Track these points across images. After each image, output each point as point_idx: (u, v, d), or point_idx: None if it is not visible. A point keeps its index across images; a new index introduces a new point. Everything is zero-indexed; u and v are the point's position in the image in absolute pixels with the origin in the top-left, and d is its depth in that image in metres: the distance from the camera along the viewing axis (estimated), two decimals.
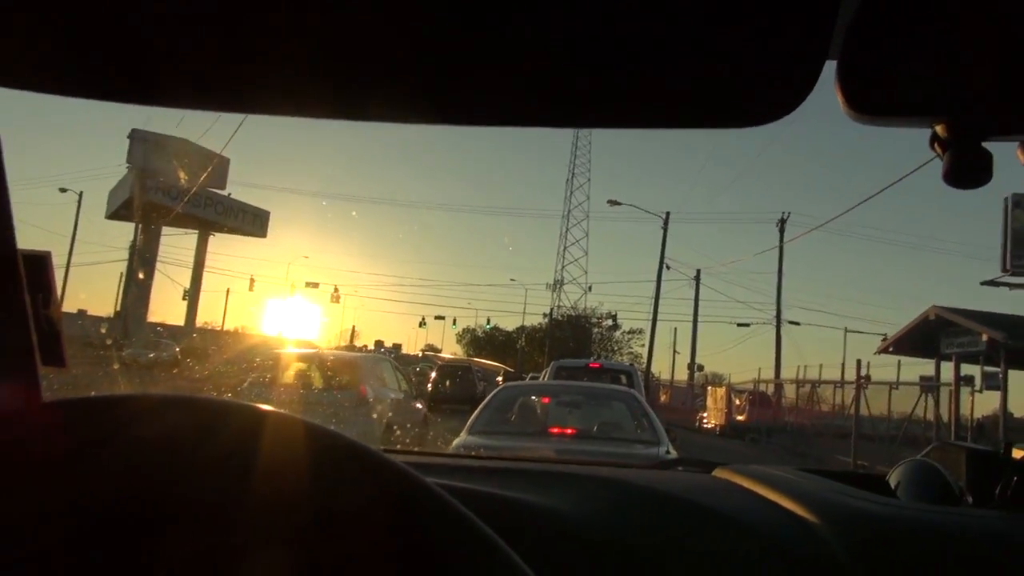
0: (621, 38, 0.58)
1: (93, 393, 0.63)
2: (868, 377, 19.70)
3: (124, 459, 0.57)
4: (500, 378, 26.34)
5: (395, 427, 10.67)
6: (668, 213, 38.01)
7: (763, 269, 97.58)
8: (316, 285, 53.16)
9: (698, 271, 41.38)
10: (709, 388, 32.71)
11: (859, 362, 19.37)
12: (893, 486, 1.42)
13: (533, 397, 7.07)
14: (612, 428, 6.34)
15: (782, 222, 36.32)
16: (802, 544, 1.09)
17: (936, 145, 0.69)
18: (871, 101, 0.67)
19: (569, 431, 6.13)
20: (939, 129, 0.69)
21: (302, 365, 10.94)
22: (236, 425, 0.59)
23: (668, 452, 5.38)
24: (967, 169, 0.68)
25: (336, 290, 53.53)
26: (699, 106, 0.67)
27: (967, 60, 0.65)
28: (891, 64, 0.66)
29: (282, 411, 0.61)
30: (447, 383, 21.06)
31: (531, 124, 0.70)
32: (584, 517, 1.11)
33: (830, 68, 0.63)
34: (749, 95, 0.64)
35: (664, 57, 0.60)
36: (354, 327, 67.50)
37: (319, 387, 10.36)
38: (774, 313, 37.57)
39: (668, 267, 38.24)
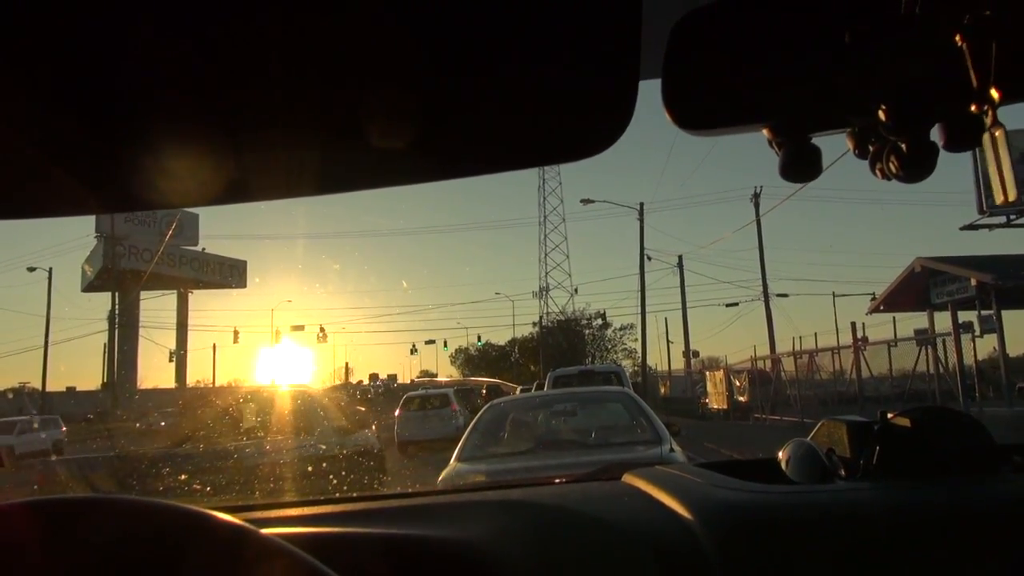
0: (447, 91, 0.62)
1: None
2: (865, 338, 19.52)
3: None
4: (484, 391, 28.29)
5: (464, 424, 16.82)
6: (642, 204, 37.93)
7: (744, 246, 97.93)
8: (302, 328, 52.49)
9: (680, 257, 41.33)
10: (707, 373, 32.47)
11: (853, 324, 19.25)
12: (784, 466, 1.47)
13: (524, 411, 6.78)
14: (610, 433, 6.08)
15: (756, 196, 36.28)
16: (680, 543, 1.16)
17: (773, 143, 0.75)
18: (698, 116, 0.74)
19: (565, 443, 5.86)
20: (766, 131, 0.75)
21: (418, 397, 20.25)
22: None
23: (672, 450, 5.18)
24: (797, 164, 0.75)
25: (322, 330, 52.93)
26: (527, 144, 0.70)
27: (780, 68, 0.71)
28: (710, 82, 0.73)
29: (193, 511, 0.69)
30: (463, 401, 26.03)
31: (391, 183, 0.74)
32: (481, 545, 1.16)
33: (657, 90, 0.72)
34: (573, 128, 0.67)
35: (484, 102, 0.64)
36: (347, 364, 67.01)
37: (429, 409, 19.14)
38: (761, 289, 37.43)
39: (650, 258, 38.14)
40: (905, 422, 1.40)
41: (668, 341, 54.80)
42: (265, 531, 0.74)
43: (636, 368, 47.21)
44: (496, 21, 0.57)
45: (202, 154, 0.67)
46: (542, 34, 0.58)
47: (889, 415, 1.43)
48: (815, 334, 27.81)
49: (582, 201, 38.51)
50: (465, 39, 0.58)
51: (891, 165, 0.72)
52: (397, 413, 18.99)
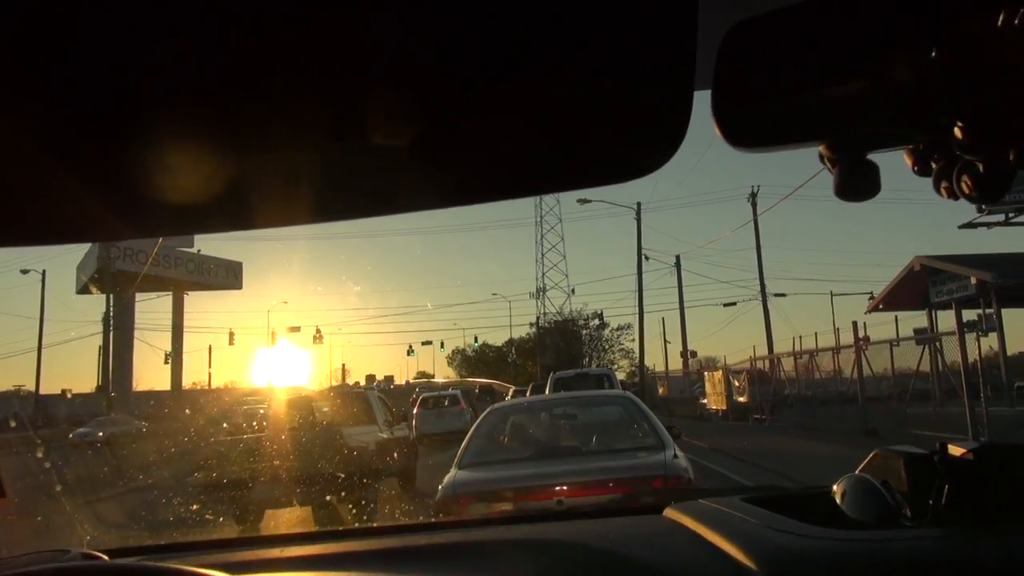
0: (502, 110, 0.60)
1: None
2: (867, 338, 19.38)
3: None
4: (477, 391, 32.44)
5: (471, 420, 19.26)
6: (639, 204, 37.84)
7: (742, 245, 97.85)
8: (298, 329, 52.51)
9: (677, 257, 41.24)
10: (706, 373, 32.34)
11: (855, 324, 19.08)
12: (839, 501, 1.38)
13: (525, 416, 6.66)
14: (612, 439, 5.95)
15: (753, 196, 36.19)
16: None
17: (825, 160, 0.71)
18: (750, 132, 0.69)
19: (566, 450, 5.76)
20: (822, 148, 0.70)
21: (433, 397, 24.31)
22: None
23: (675, 456, 5.07)
24: (854, 182, 0.70)
25: (318, 331, 52.79)
26: (582, 164, 0.67)
27: (837, 81, 0.66)
28: (763, 95, 0.67)
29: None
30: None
31: (473, 201, 0.72)
32: None
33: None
34: (623, 146, 0.64)
35: (526, 119, 0.61)
36: (344, 365, 66.88)
37: (443, 407, 23.03)
38: (759, 288, 37.34)
39: (647, 258, 38.05)
40: (968, 456, 1.29)
41: (665, 341, 54.65)
42: None
43: (634, 368, 47.19)
44: (538, 29, 0.53)
45: (212, 183, 0.64)
46: (586, 44, 0.54)
47: (950, 448, 1.32)
48: (815, 334, 27.82)
49: (579, 201, 38.34)
50: (502, 52, 0.54)
51: (963, 185, 0.67)
52: (415, 411, 22.17)
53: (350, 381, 58.61)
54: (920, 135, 0.70)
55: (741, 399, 26.30)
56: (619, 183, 0.67)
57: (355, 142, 0.61)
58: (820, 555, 1.14)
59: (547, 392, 17.99)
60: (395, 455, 10.90)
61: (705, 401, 29.64)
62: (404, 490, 11.26)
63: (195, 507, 9.02)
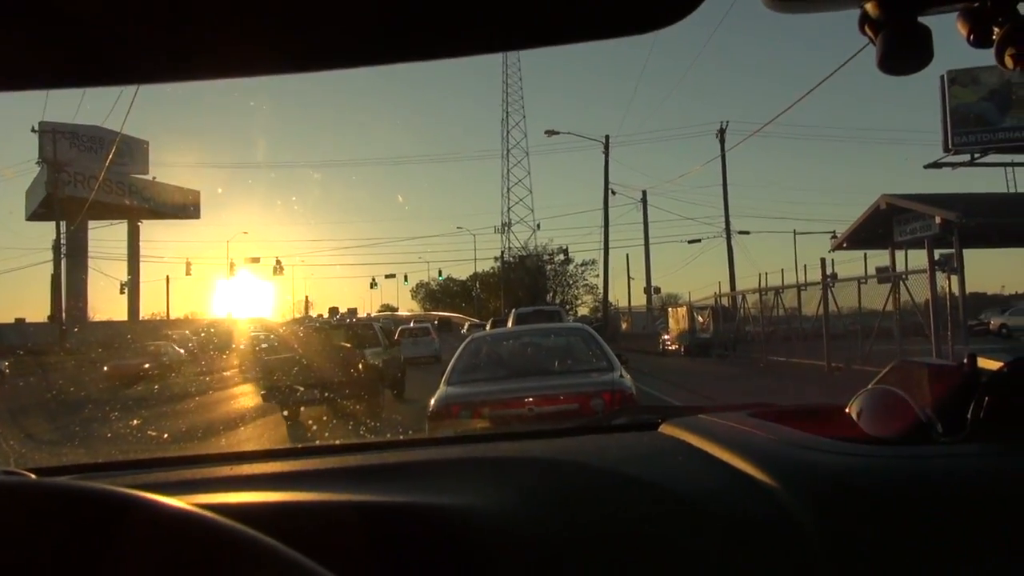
0: None
1: None
2: (835, 275, 19.46)
3: None
4: (435, 324, 37.68)
5: (439, 348, 27.57)
6: (607, 137, 37.39)
7: (708, 182, 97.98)
8: (257, 260, 51.49)
9: (644, 192, 41.01)
10: (670, 309, 32.50)
11: (823, 260, 19.14)
12: (855, 417, 1.28)
13: (499, 344, 8.08)
14: (571, 362, 7.10)
15: (721, 132, 35.88)
16: (756, 510, 1.01)
17: (867, 27, 0.61)
18: None
19: (533, 370, 6.89)
20: (869, 7, 0.61)
21: (409, 329, 31.11)
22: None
23: (621, 375, 6.31)
24: (904, 50, 0.61)
25: (278, 262, 51.86)
26: (601, 10, 0.59)
27: None
28: None
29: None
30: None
31: (467, 52, 0.63)
32: (511, 513, 1.02)
33: None
34: None
35: None
36: (307, 297, 66.22)
37: (418, 336, 29.95)
38: (724, 226, 37.37)
39: (614, 192, 37.79)
40: (1005, 369, 1.18)
41: (629, 277, 54.90)
42: (222, 497, 0.65)
43: (597, 304, 47.49)
44: None
45: (146, 19, 0.56)
46: None
47: (980, 361, 1.22)
48: (781, 270, 27.99)
49: (547, 132, 37.57)
50: None
51: None
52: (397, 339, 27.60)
53: (313, 313, 58.22)
54: None
55: (704, 335, 26.49)
56: (635, 34, 0.56)
57: None
58: (853, 472, 1.03)
59: (509, 326, 20.96)
60: (394, 368, 15.40)
61: (667, 337, 29.85)
62: (397, 397, 14.98)
63: None
